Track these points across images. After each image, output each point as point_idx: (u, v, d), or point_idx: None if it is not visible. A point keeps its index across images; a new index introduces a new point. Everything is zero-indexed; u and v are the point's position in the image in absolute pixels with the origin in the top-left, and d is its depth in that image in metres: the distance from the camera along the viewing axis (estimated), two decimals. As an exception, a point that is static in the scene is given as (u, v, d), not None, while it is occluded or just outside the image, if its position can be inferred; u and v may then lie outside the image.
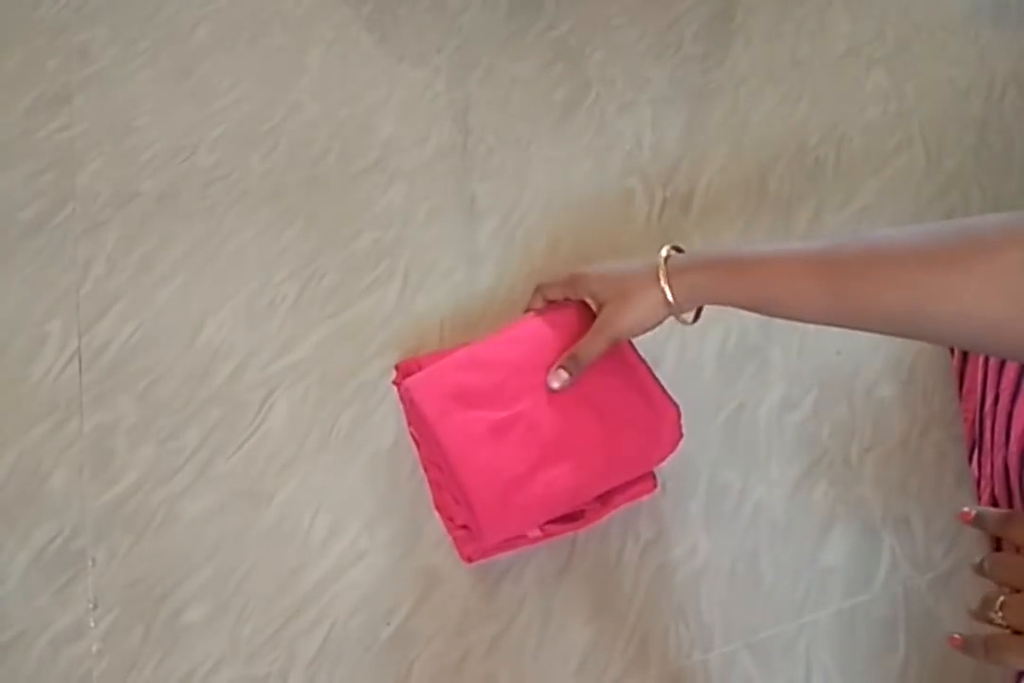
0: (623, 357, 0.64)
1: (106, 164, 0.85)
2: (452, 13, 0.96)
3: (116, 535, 0.66)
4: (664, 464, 0.64)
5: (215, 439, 0.70)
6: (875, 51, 0.95)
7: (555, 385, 0.60)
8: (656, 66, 0.93)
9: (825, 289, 0.47)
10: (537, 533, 0.63)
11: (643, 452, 0.62)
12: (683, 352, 0.75)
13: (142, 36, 0.94)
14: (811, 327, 0.76)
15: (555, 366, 0.61)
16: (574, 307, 0.65)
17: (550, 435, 0.60)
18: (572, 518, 0.64)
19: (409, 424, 0.69)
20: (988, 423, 0.65)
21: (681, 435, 0.62)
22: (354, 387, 0.73)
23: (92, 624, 0.63)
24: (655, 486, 0.66)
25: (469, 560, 0.64)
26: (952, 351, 0.73)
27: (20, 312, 0.76)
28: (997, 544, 0.59)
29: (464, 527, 0.63)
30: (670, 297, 0.55)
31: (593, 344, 0.60)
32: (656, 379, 0.63)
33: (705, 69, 0.93)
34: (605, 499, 0.64)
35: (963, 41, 0.96)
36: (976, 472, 0.66)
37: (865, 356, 0.75)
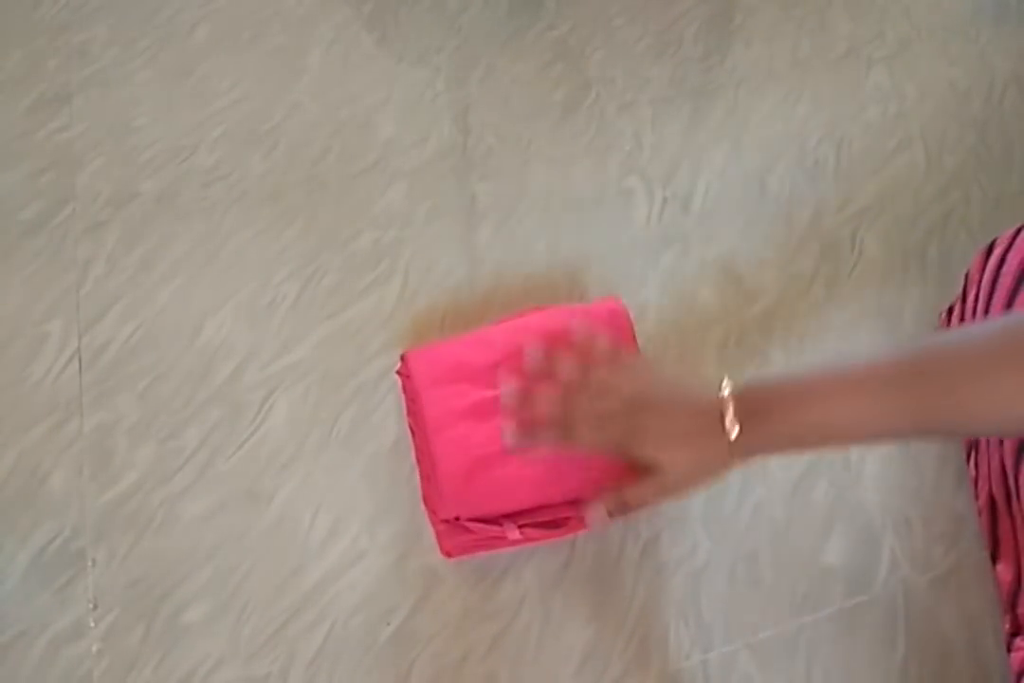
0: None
1: (106, 164, 0.85)
2: (452, 13, 0.96)
3: (116, 535, 0.66)
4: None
5: (215, 439, 0.70)
6: (875, 51, 0.95)
7: (592, 518, 0.55)
8: (656, 66, 0.93)
9: (910, 412, 0.45)
10: (516, 535, 0.61)
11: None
12: (683, 352, 0.75)
13: (142, 36, 0.94)
14: (811, 327, 0.77)
15: (598, 500, 0.54)
16: (590, 309, 0.65)
17: None
18: (554, 524, 0.62)
19: (407, 406, 0.69)
20: None
21: None
22: (354, 387, 0.73)
23: (92, 624, 0.63)
24: None
25: (448, 555, 0.64)
26: None
27: (20, 312, 0.76)
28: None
29: (445, 521, 0.62)
30: (740, 459, 0.49)
31: (646, 493, 0.53)
32: None
33: (705, 69, 0.93)
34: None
35: (963, 41, 0.96)
36: (973, 471, 0.66)
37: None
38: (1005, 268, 0.63)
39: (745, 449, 0.49)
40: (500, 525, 0.61)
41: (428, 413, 0.62)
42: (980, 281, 0.66)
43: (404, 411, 0.69)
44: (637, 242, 0.81)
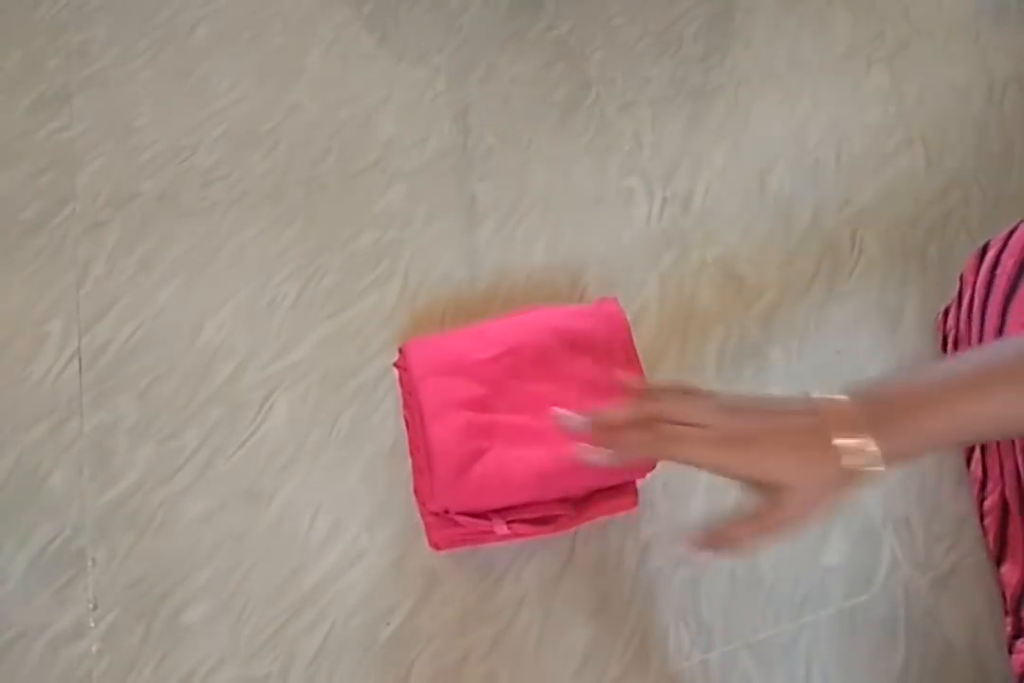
0: (627, 358, 0.64)
1: (106, 164, 0.85)
2: (452, 13, 0.96)
3: (116, 535, 0.66)
4: (658, 470, 0.63)
5: (215, 439, 0.70)
6: (875, 51, 0.95)
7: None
8: (656, 66, 0.93)
9: None
10: (504, 530, 0.61)
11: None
12: (683, 352, 0.75)
13: (142, 36, 0.94)
14: (811, 327, 0.77)
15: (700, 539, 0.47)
16: (588, 310, 0.65)
17: (528, 420, 0.61)
18: (543, 521, 0.62)
19: (403, 398, 0.69)
20: None
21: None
22: (354, 387, 0.73)
23: (92, 624, 0.63)
24: (635, 504, 0.65)
25: (436, 547, 0.64)
26: (944, 348, 0.73)
27: (20, 312, 0.76)
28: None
29: (435, 514, 0.62)
30: (877, 470, 0.42)
31: (763, 527, 0.45)
32: None
33: (705, 69, 0.93)
34: (581, 507, 0.63)
35: (963, 41, 0.96)
36: (979, 473, 0.66)
37: (865, 356, 0.75)
38: (999, 270, 0.63)
39: (878, 458, 0.42)
40: (488, 519, 0.61)
41: (425, 402, 0.62)
42: (975, 283, 0.66)
43: (400, 404, 0.69)
44: (637, 242, 0.81)
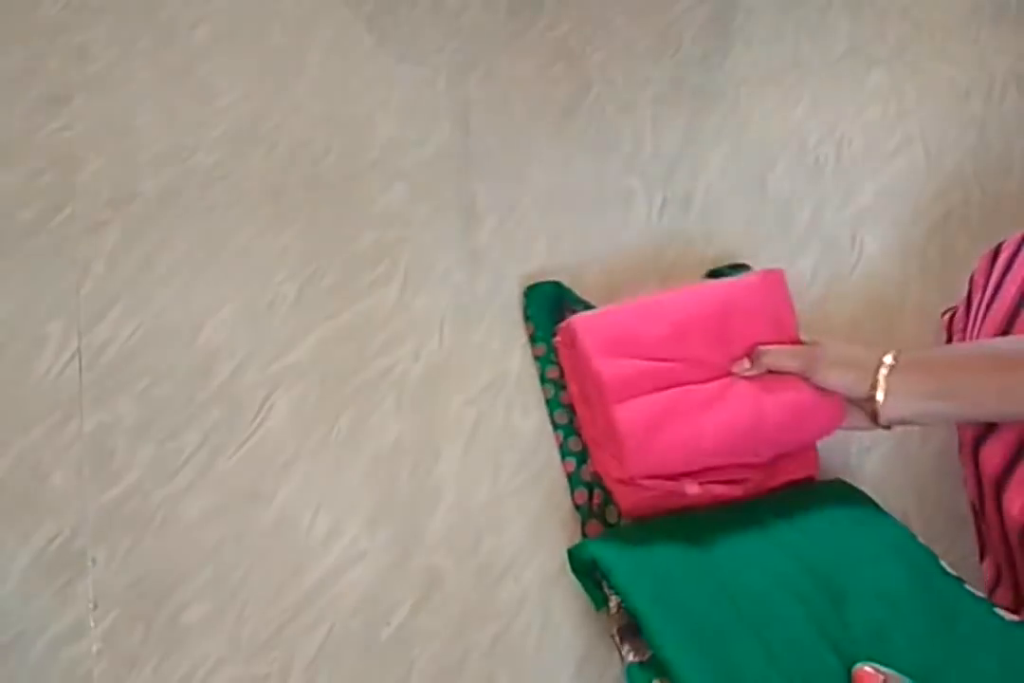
0: (791, 327, 0.66)
1: (106, 164, 0.85)
2: (452, 13, 0.96)
3: (116, 535, 0.66)
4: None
5: (215, 439, 0.70)
6: (875, 51, 0.95)
7: (735, 370, 0.64)
8: (656, 66, 0.93)
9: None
10: (696, 490, 0.62)
11: (798, 417, 0.62)
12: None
13: (142, 36, 0.94)
14: (811, 326, 0.76)
15: (744, 357, 0.64)
16: (756, 281, 0.67)
17: (704, 388, 0.63)
18: (734, 483, 0.64)
19: (567, 375, 0.71)
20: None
21: (843, 413, 0.62)
22: (354, 387, 0.73)
23: (92, 624, 0.63)
24: (816, 467, 0.67)
25: (629, 514, 0.65)
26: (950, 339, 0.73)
27: (20, 312, 0.76)
28: None
29: (621, 482, 0.64)
30: (881, 393, 0.57)
31: (785, 359, 0.62)
32: None
33: (705, 69, 0.93)
34: (768, 471, 0.65)
35: (962, 41, 0.96)
36: (963, 471, 0.65)
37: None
38: (1010, 276, 0.63)
39: (888, 390, 0.57)
40: (677, 481, 0.62)
41: (606, 377, 0.63)
42: (985, 286, 0.66)
43: (562, 375, 0.71)
44: (637, 242, 0.81)
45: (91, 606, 0.63)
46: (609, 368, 0.63)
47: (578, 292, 0.78)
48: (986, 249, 0.68)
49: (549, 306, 0.76)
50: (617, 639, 0.58)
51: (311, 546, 0.66)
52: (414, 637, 0.63)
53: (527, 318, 0.76)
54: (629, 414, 0.62)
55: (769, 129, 0.89)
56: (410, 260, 0.80)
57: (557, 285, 0.77)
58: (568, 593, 0.65)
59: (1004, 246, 0.66)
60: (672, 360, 0.64)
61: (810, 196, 0.85)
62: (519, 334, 0.76)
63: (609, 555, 0.59)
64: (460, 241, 0.81)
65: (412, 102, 0.90)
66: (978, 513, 0.64)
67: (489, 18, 0.96)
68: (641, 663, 0.55)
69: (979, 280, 0.68)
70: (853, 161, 0.87)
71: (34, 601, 0.63)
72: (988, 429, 0.60)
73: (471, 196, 0.84)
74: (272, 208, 0.83)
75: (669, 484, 0.62)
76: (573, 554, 0.63)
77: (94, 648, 0.62)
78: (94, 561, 0.65)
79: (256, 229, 0.81)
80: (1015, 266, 0.63)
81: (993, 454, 0.59)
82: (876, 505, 0.64)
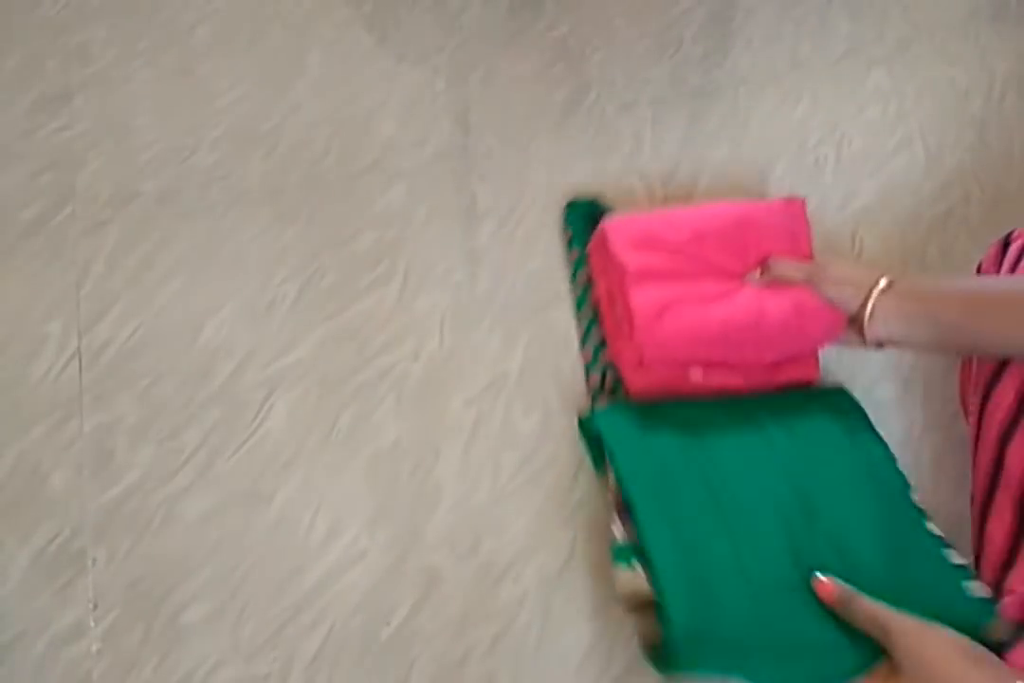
0: (804, 254, 0.70)
1: (106, 164, 0.85)
2: (452, 13, 0.96)
3: (116, 535, 0.66)
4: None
5: (215, 439, 0.70)
6: (875, 51, 0.95)
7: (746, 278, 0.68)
8: (656, 66, 0.93)
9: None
10: (699, 377, 0.67)
11: (799, 319, 0.64)
12: (683, 352, 0.75)
13: (142, 36, 0.94)
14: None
15: (756, 268, 0.68)
16: (779, 204, 0.71)
17: (714, 287, 0.67)
18: (737, 370, 0.67)
19: (595, 277, 0.75)
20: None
21: (843, 322, 0.64)
22: (354, 387, 0.73)
23: (92, 624, 0.63)
24: (818, 373, 0.70)
25: (635, 394, 0.69)
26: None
27: (20, 312, 0.76)
28: None
29: (632, 365, 0.68)
30: (868, 310, 0.61)
31: (792, 271, 0.66)
32: None
33: (705, 69, 0.93)
34: (770, 371, 0.68)
35: (963, 41, 0.96)
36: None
37: (864, 356, 0.75)
38: (1022, 265, 0.63)
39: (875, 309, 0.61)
40: (682, 367, 0.67)
41: (627, 264, 0.67)
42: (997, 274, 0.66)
43: (590, 287, 0.75)
44: (637, 242, 0.81)
45: (91, 606, 0.63)
46: (631, 258, 0.68)
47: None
48: (993, 241, 0.68)
49: (586, 217, 0.80)
50: (617, 517, 0.62)
51: (311, 546, 0.66)
52: (414, 637, 0.63)
53: (566, 226, 0.81)
54: (643, 296, 0.66)
55: (769, 129, 0.89)
56: (410, 260, 0.80)
57: (595, 202, 0.82)
58: (568, 593, 0.65)
59: (1015, 236, 0.66)
60: (690, 260, 0.68)
61: (810, 196, 0.84)
62: (519, 334, 0.76)
63: (615, 436, 0.64)
64: (460, 241, 0.81)
65: (412, 102, 0.90)
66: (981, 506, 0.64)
67: (489, 18, 0.96)
68: (626, 545, 0.60)
69: (988, 270, 0.68)
70: (853, 161, 0.87)
71: (34, 601, 0.64)
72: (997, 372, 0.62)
73: (471, 196, 0.84)
74: (272, 208, 0.83)
75: (675, 369, 0.67)
76: (583, 424, 0.67)
77: (94, 648, 0.62)
78: (94, 561, 0.65)
79: (256, 229, 0.81)
80: None
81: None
82: (867, 420, 0.68)
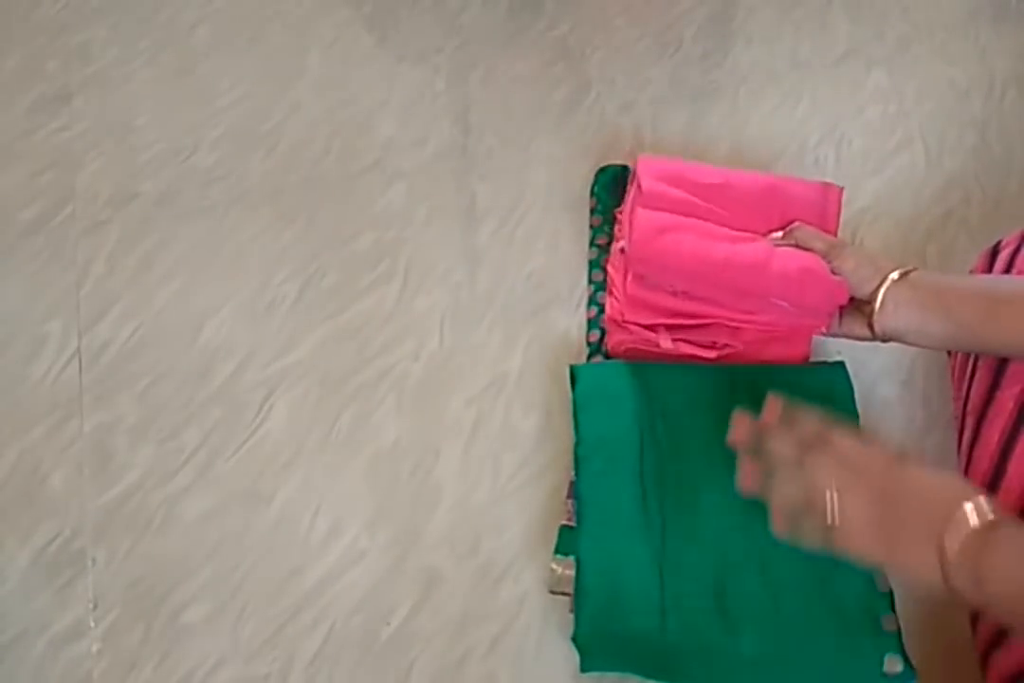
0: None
1: (106, 164, 0.85)
2: (452, 13, 0.96)
3: (116, 535, 0.66)
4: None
5: (215, 439, 0.70)
6: (875, 51, 0.95)
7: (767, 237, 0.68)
8: (656, 66, 0.93)
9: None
10: (668, 344, 0.67)
11: (802, 275, 0.63)
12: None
13: (142, 36, 0.94)
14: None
15: (779, 231, 0.69)
16: (817, 185, 0.72)
17: (728, 231, 0.67)
18: (709, 346, 0.68)
19: (623, 230, 0.74)
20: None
21: (845, 294, 0.64)
22: (354, 387, 0.73)
23: (92, 624, 0.63)
24: (808, 356, 0.70)
25: (614, 352, 0.71)
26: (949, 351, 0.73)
27: (20, 312, 0.76)
28: None
29: (614, 321, 0.70)
30: (882, 294, 0.61)
31: (814, 238, 0.66)
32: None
33: (705, 69, 0.93)
34: (753, 347, 0.68)
35: (962, 41, 0.96)
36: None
37: (864, 357, 0.75)
38: (1013, 271, 0.63)
39: (885, 300, 0.61)
40: (656, 332, 0.67)
41: (646, 188, 0.68)
42: None
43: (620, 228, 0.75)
44: (637, 242, 0.81)
45: (91, 606, 0.63)
46: (653, 185, 0.69)
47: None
48: (981, 252, 0.68)
49: (614, 186, 0.81)
50: (568, 490, 0.66)
51: (311, 546, 0.66)
52: (414, 637, 0.63)
53: (593, 193, 0.82)
54: (650, 216, 0.67)
55: (769, 129, 0.89)
56: (410, 260, 0.80)
57: (626, 169, 0.82)
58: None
59: (1004, 244, 0.66)
60: (711, 206, 0.69)
61: (810, 196, 0.85)
62: (519, 334, 0.76)
63: (584, 394, 0.68)
64: (460, 241, 0.81)
65: (412, 102, 0.90)
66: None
67: (489, 18, 0.96)
68: (569, 528, 0.64)
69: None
70: (853, 161, 0.87)
71: (34, 601, 0.64)
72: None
73: (471, 196, 0.84)
74: (272, 208, 0.83)
75: (647, 334, 0.67)
76: (571, 372, 0.70)
77: (94, 648, 0.62)
78: (94, 561, 0.65)
79: (256, 229, 0.81)
80: (1016, 263, 0.63)
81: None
82: (853, 404, 0.68)
